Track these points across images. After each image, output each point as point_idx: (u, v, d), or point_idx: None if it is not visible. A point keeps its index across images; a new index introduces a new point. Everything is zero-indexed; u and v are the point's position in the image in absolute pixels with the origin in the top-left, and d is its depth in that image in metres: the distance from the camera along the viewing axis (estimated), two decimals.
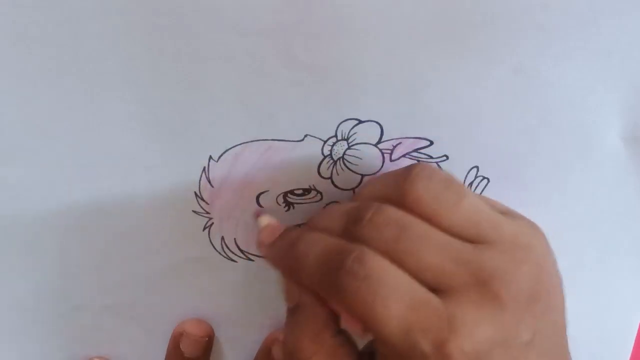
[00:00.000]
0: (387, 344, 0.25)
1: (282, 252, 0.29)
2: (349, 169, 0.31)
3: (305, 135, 0.30)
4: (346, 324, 0.27)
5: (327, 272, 0.26)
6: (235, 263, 0.33)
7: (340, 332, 0.28)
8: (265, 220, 0.31)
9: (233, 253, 0.33)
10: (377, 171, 0.32)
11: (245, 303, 0.35)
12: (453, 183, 0.27)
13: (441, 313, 0.25)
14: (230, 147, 0.30)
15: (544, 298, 0.26)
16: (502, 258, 0.26)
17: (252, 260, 0.33)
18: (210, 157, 0.30)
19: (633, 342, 0.38)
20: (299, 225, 0.33)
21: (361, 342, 0.27)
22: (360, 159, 0.31)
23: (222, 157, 0.30)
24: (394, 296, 0.25)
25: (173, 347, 0.35)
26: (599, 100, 0.31)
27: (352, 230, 0.26)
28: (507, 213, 0.28)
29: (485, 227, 0.26)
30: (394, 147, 0.31)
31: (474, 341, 0.24)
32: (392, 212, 0.26)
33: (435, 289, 0.25)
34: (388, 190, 0.27)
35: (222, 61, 0.27)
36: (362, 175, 0.32)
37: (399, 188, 0.27)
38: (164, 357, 0.35)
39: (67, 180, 0.30)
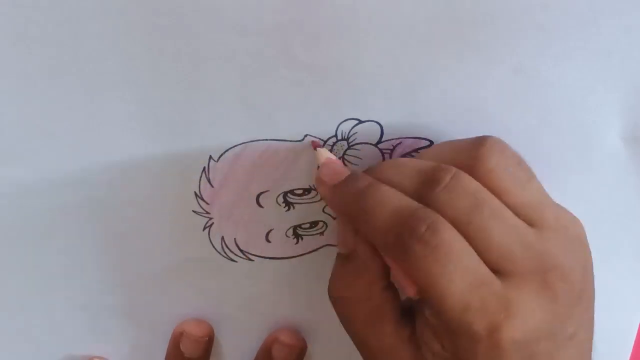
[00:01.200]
0: (441, 316, 0.25)
1: (348, 200, 0.27)
2: None
3: (305, 135, 0.30)
4: (401, 282, 0.27)
5: (397, 233, 0.25)
6: (235, 263, 0.33)
7: (389, 287, 0.28)
8: (323, 154, 0.30)
9: (233, 253, 0.33)
10: None
11: (245, 303, 0.35)
12: (523, 162, 0.27)
13: (500, 296, 0.25)
14: (230, 147, 0.30)
15: (588, 292, 0.26)
16: (562, 248, 0.26)
17: (252, 260, 0.33)
18: (210, 157, 0.30)
19: (633, 342, 0.38)
20: (296, 228, 0.33)
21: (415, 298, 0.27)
22: (360, 159, 0.31)
23: (222, 157, 0.30)
24: (460, 272, 0.24)
25: (173, 347, 0.35)
26: (599, 100, 0.31)
27: (427, 192, 0.26)
28: (556, 204, 0.28)
29: (547, 212, 0.26)
30: (394, 147, 0.31)
31: (525, 330, 0.24)
32: (469, 182, 0.25)
33: (496, 270, 0.25)
34: (459, 156, 0.27)
35: (222, 61, 0.27)
36: None
37: (472, 157, 0.26)
38: (164, 357, 0.35)
39: (67, 180, 0.30)
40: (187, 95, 0.28)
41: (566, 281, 0.25)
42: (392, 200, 0.26)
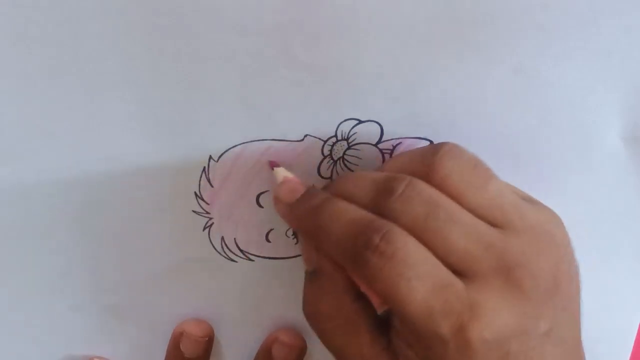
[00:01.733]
0: (407, 324, 0.25)
1: (305, 217, 0.27)
2: (349, 169, 0.31)
3: (305, 135, 0.30)
4: (368, 296, 0.27)
5: (353, 247, 0.25)
6: (235, 263, 0.33)
7: (359, 298, 0.27)
8: (281, 173, 0.30)
9: (233, 253, 0.33)
10: None
11: (245, 303, 0.35)
12: (480, 164, 0.26)
13: (464, 298, 0.24)
14: (230, 147, 0.30)
15: (564, 289, 0.26)
16: (527, 247, 0.25)
17: (252, 260, 0.33)
18: (210, 157, 0.30)
19: (633, 342, 0.38)
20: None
21: (381, 309, 0.27)
22: (360, 159, 0.31)
23: (222, 157, 0.30)
24: (419, 278, 0.24)
25: (173, 347, 0.35)
26: (599, 100, 0.31)
27: (382, 203, 0.26)
28: (528, 200, 0.28)
29: (510, 211, 0.26)
30: (394, 147, 0.31)
31: (494, 329, 0.24)
32: (424, 188, 0.26)
33: (458, 272, 0.25)
34: (415, 165, 0.27)
35: (222, 61, 0.27)
36: None
37: (427, 164, 0.26)
38: (164, 357, 0.35)
39: (67, 180, 0.30)
40: (187, 95, 0.28)
41: (532, 277, 0.25)
42: (346, 213, 0.26)
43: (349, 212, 0.26)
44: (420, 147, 0.28)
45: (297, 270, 0.34)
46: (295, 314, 0.36)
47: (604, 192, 0.34)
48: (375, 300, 0.26)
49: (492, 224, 0.26)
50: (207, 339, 0.35)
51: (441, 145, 0.27)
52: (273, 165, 0.30)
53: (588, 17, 0.28)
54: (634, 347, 0.38)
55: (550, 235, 0.26)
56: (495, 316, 0.24)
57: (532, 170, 0.32)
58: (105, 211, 0.31)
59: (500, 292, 0.25)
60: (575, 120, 0.31)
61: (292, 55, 0.28)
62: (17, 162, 0.29)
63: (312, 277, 0.28)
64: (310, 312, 0.28)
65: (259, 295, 0.35)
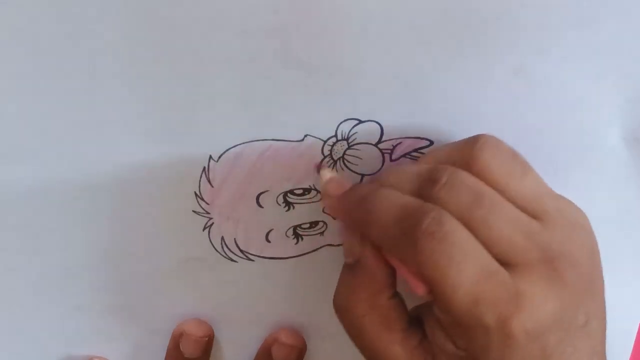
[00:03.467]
0: (451, 311, 0.25)
1: (354, 205, 0.28)
2: (349, 169, 0.31)
3: (305, 135, 0.30)
4: (410, 282, 0.27)
5: (402, 230, 0.25)
6: (235, 263, 0.33)
7: (395, 295, 0.28)
8: (327, 173, 0.30)
9: (233, 253, 0.33)
10: (377, 171, 0.32)
11: (245, 303, 0.35)
12: (518, 156, 0.27)
13: (510, 287, 0.24)
14: (230, 147, 0.30)
15: (597, 280, 0.26)
16: (566, 237, 0.26)
17: (252, 260, 0.33)
18: (210, 157, 0.30)
19: (633, 342, 0.38)
20: (296, 228, 0.33)
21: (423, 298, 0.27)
22: (360, 159, 0.31)
23: (222, 157, 0.30)
24: (468, 263, 0.24)
25: (173, 347, 0.35)
26: (599, 100, 0.31)
27: (428, 192, 0.26)
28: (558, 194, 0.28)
29: (548, 203, 0.26)
30: (394, 147, 0.31)
31: (536, 320, 0.24)
32: (467, 177, 0.26)
33: (502, 262, 0.25)
34: (455, 156, 0.27)
35: (222, 61, 0.27)
36: (362, 175, 0.32)
37: (467, 155, 0.26)
38: (164, 357, 0.35)
39: (67, 180, 0.30)
40: (187, 96, 0.28)
41: (574, 268, 0.25)
42: (395, 199, 0.26)
43: (399, 198, 0.26)
44: (458, 140, 0.28)
45: (297, 270, 0.34)
46: (295, 314, 0.36)
47: (604, 193, 0.34)
48: (419, 287, 0.26)
49: (531, 214, 0.26)
50: (207, 339, 0.35)
51: (479, 136, 0.27)
52: (318, 167, 0.31)
53: (588, 17, 0.28)
54: (634, 347, 0.38)
55: (585, 228, 0.27)
56: (539, 307, 0.25)
57: None
58: (105, 211, 0.31)
59: (544, 282, 0.25)
60: (575, 120, 0.31)
61: (292, 55, 0.28)
62: (17, 162, 0.29)
63: (351, 270, 0.28)
64: (343, 305, 0.28)
65: (259, 295, 0.35)
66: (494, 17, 0.28)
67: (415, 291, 0.26)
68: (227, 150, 0.30)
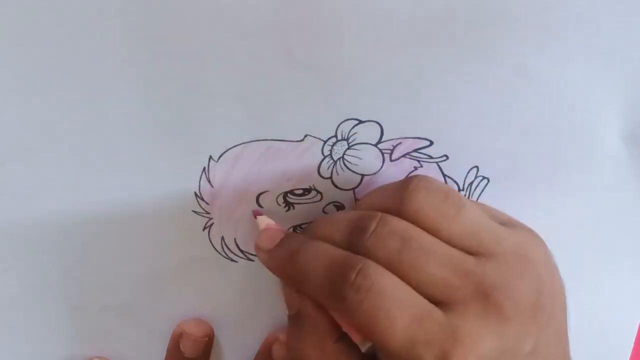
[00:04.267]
0: (391, 357, 0.25)
1: (284, 261, 0.28)
2: (349, 169, 0.31)
3: (305, 135, 0.30)
4: (349, 333, 0.27)
5: (331, 285, 0.26)
6: (235, 263, 0.33)
7: (343, 337, 0.28)
8: (263, 221, 0.31)
9: (233, 253, 0.33)
10: (377, 171, 0.32)
11: (245, 303, 0.35)
12: (451, 194, 0.27)
13: (445, 326, 0.25)
14: (230, 147, 0.30)
15: (546, 308, 0.26)
16: (504, 270, 0.26)
17: (252, 260, 0.33)
18: (210, 157, 0.30)
19: (633, 342, 0.38)
20: (296, 228, 0.33)
21: (364, 346, 0.27)
22: (360, 159, 0.31)
23: (222, 157, 0.30)
24: (398, 309, 0.25)
25: (173, 347, 0.35)
26: (599, 100, 0.31)
27: (356, 241, 0.26)
28: (507, 222, 0.28)
29: (485, 238, 0.26)
30: (394, 147, 0.31)
31: (477, 354, 0.24)
32: (396, 223, 0.26)
33: (438, 302, 0.25)
34: (387, 201, 0.27)
35: (222, 61, 0.27)
36: (362, 175, 0.32)
37: (398, 199, 0.27)
38: (164, 357, 0.35)
39: (67, 180, 0.30)
40: (187, 95, 0.28)
41: (512, 300, 0.25)
42: (322, 253, 0.27)
43: (326, 252, 0.27)
44: (392, 183, 0.28)
45: None
46: None
47: (604, 192, 0.34)
48: (357, 338, 0.27)
49: (468, 251, 0.26)
50: (207, 339, 0.35)
51: (410, 179, 0.27)
52: (256, 214, 0.31)
53: (588, 17, 0.28)
54: (634, 347, 0.38)
55: (529, 258, 0.26)
56: (477, 341, 0.24)
57: (532, 170, 0.32)
58: (104, 211, 0.31)
59: (480, 317, 0.25)
60: (576, 120, 0.31)
61: (292, 55, 0.28)
62: (16, 161, 0.29)
63: (295, 320, 0.29)
64: (294, 356, 0.28)
65: (259, 295, 0.35)
66: (494, 16, 0.28)
67: (355, 340, 0.27)
68: (227, 150, 0.30)
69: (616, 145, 0.32)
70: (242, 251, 0.33)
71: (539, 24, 0.28)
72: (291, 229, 0.33)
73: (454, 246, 0.26)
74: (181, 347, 0.34)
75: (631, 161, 0.33)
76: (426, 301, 0.25)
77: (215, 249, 0.33)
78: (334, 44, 0.27)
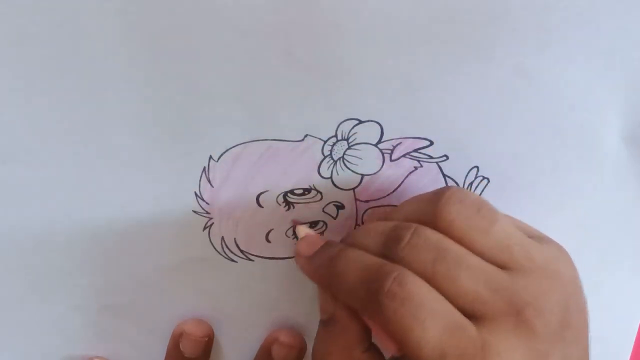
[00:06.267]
0: None
1: (322, 267, 0.29)
2: (349, 169, 0.31)
3: (305, 135, 0.30)
4: (380, 342, 0.27)
5: (367, 292, 0.26)
6: (235, 263, 0.33)
7: (371, 347, 0.28)
8: (303, 230, 0.32)
9: (233, 253, 0.33)
10: (377, 171, 0.32)
11: (245, 303, 0.35)
12: (484, 206, 0.27)
13: (476, 340, 0.25)
14: (230, 147, 0.30)
15: (572, 325, 0.26)
16: (535, 286, 0.26)
17: (252, 260, 0.33)
18: (210, 157, 0.30)
19: (633, 342, 0.38)
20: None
21: (387, 353, 0.27)
22: (360, 159, 0.31)
23: (222, 157, 0.30)
24: (432, 320, 0.25)
25: (173, 347, 0.35)
26: (599, 100, 0.31)
27: (391, 251, 0.27)
28: (535, 236, 0.28)
29: (516, 252, 0.26)
30: (394, 147, 0.31)
31: None
32: (430, 234, 0.26)
33: (468, 315, 0.25)
34: (420, 212, 0.28)
35: (222, 61, 0.27)
36: (362, 175, 0.32)
37: (432, 211, 0.27)
38: (164, 357, 0.35)
39: (67, 180, 0.30)
40: (187, 95, 0.28)
41: (542, 317, 0.25)
42: (359, 261, 0.27)
43: (363, 259, 0.27)
44: (425, 194, 0.28)
45: (297, 270, 0.34)
46: (295, 314, 0.36)
47: (604, 192, 0.34)
48: (389, 346, 0.27)
49: (500, 265, 0.26)
50: (207, 339, 0.35)
51: (444, 190, 0.27)
52: (295, 223, 0.32)
53: (588, 17, 0.28)
54: (634, 347, 0.38)
55: (558, 274, 0.27)
56: (507, 357, 0.25)
57: (532, 170, 0.32)
58: (104, 211, 0.31)
59: (511, 333, 0.25)
60: (576, 120, 0.31)
61: (292, 55, 0.28)
62: (16, 161, 0.29)
63: (326, 325, 0.29)
64: (321, 359, 0.29)
65: (259, 295, 0.35)
66: (494, 16, 0.28)
67: (386, 349, 0.27)
68: (227, 150, 0.30)
69: (616, 145, 0.32)
70: (242, 251, 0.33)
71: (539, 24, 0.28)
72: (291, 229, 0.33)
73: (486, 259, 0.26)
74: (181, 347, 0.34)
75: (631, 161, 0.33)
76: (459, 314, 0.25)
77: (215, 249, 0.33)
78: (334, 44, 0.27)
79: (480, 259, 0.26)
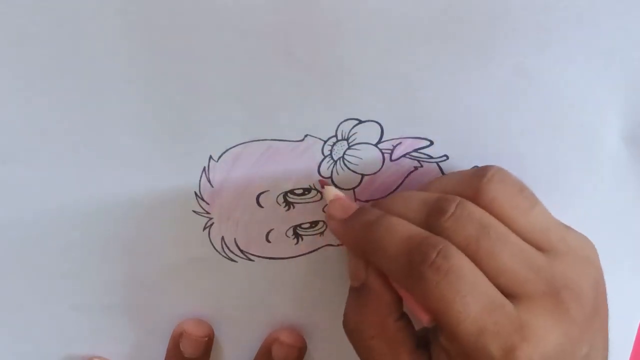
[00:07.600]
0: (457, 341, 0.25)
1: (359, 232, 0.28)
2: (349, 168, 0.31)
3: (305, 135, 0.30)
4: (412, 311, 0.27)
5: (409, 262, 0.26)
6: (235, 263, 0.33)
7: (402, 317, 0.28)
8: (331, 191, 0.31)
9: (233, 253, 0.33)
10: (377, 171, 0.32)
11: (245, 303, 0.35)
12: (525, 189, 0.27)
13: (514, 319, 0.25)
14: (230, 147, 0.30)
15: (600, 312, 0.27)
16: (570, 269, 0.26)
17: (252, 260, 0.33)
18: (210, 157, 0.30)
19: (633, 342, 0.38)
20: (296, 228, 0.33)
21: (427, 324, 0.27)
22: (361, 159, 0.31)
23: (222, 157, 0.30)
24: (473, 296, 0.25)
25: (173, 347, 0.35)
26: (599, 100, 0.31)
27: (435, 222, 0.26)
28: (566, 226, 0.28)
29: (554, 235, 0.27)
30: (394, 147, 0.31)
31: (541, 351, 0.25)
32: (474, 209, 0.26)
33: (507, 293, 0.25)
34: (462, 187, 0.27)
35: (222, 61, 0.27)
36: (362, 175, 0.32)
37: (474, 187, 0.27)
38: (164, 357, 0.35)
39: (67, 180, 0.30)
40: (187, 95, 0.28)
41: (578, 301, 0.26)
42: (401, 229, 0.27)
43: (405, 228, 0.27)
44: (467, 170, 0.29)
45: (297, 271, 0.34)
46: (295, 314, 0.36)
47: (604, 192, 0.34)
48: (422, 316, 0.26)
49: (537, 246, 0.26)
50: (207, 339, 0.35)
51: (488, 168, 0.27)
52: (323, 183, 0.31)
53: (588, 17, 0.28)
54: (634, 347, 0.38)
55: (590, 260, 0.27)
56: (544, 338, 0.25)
57: (532, 170, 0.32)
58: (105, 211, 0.31)
59: (548, 314, 0.25)
60: (575, 120, 0.31)
61: (292, 55, 0.28)
62: (16, 161, 0.29)
63: (358, 293, 0.28)
64: (353, 328, 0.29)
65: (259, 295, 0.35)
66: (494, 16, 0.28)
67: (419, 319, 0.27)
68: (227, 150, 0.30)
69: (616, 145, 0.32)
70: (242, 251, 0.33)
71: (539, 24, 0.28)
72: (291, 229, 0.33)
73: (524, 240, 0.26)
74: (181, 347, 0.34)
75: (631, 161, 0.33)
76: (499, 292, 0.25)
77: (215, 249, 0.33)
78: (334, 44, 0.27)
79: (519, 239, 0.26)
